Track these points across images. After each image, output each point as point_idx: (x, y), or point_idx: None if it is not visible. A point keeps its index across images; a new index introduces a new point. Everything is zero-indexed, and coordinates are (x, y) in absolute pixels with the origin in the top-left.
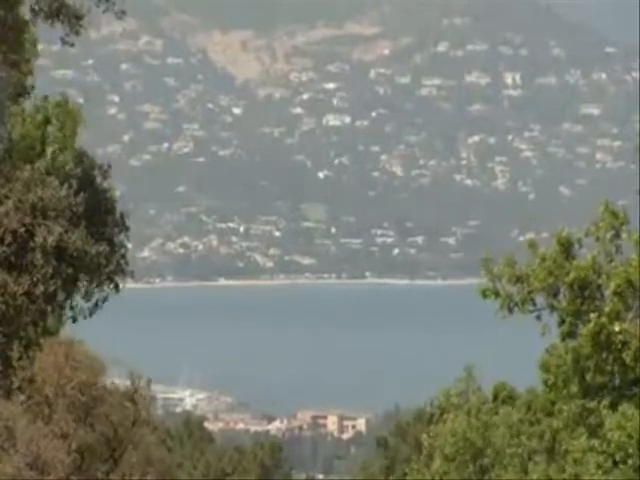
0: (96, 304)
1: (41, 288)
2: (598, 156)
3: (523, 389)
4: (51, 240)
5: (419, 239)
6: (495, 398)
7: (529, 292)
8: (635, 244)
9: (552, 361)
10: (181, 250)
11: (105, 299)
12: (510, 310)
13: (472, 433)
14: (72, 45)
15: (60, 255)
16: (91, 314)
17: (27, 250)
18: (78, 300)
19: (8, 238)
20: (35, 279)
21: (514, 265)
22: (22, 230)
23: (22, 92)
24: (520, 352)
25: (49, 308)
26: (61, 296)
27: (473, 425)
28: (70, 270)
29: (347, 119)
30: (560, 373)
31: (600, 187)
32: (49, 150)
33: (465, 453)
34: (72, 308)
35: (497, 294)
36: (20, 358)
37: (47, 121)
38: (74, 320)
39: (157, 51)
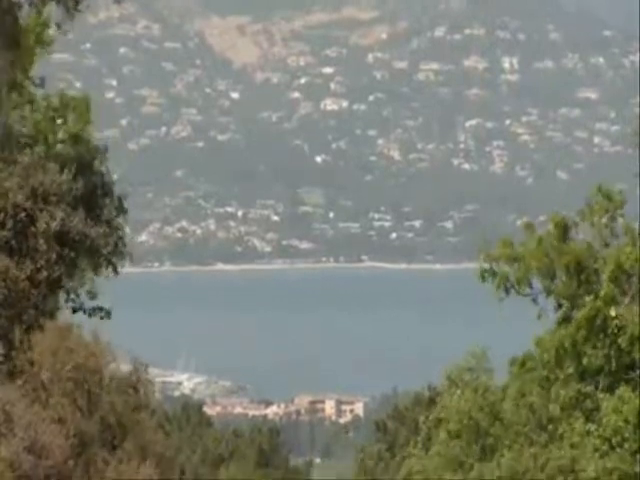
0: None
1: (44, 274)
2: (596, 140)
3: None
4: (54, 225)
5: (416, 223)
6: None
7: (525, 271)
8: (626, 231)
9: (547, 339)
10: (179, 234)
11: None
12: (507, 291)
13: (478, 412)
14: (68, 31)
15: (62, 239)
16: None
17: (29, 235)
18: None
19: (9, 222)
20: (39, 265)
21: (511, 246)
22: (23, 215)
23: (22, 79)
24: (517, 337)
25: (51, 292)
26: (65, 281)
27: (479, 404)
28: (72, 254)
29: (345, 103)
30: (556, 351)
31: (598, 171)
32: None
33: (469, 432)
34: (69, 294)
35: (494, 274)
36: (22, 341)
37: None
38: (74, 311)
39: (155, 35)
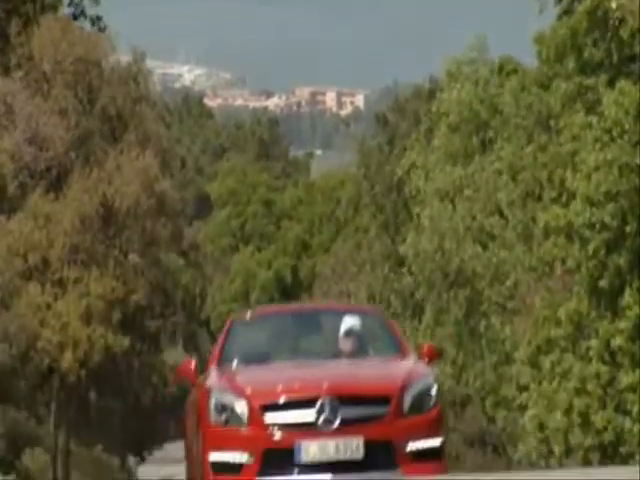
0: None
1: None
2: None
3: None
4: None
5: None
6: (500, 70)
7: None
8: None
9: (547, 35)
10: None
11: None
12: None
13: (478, 104)
14: None
15: None
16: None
17: None
18: None
19: None
20: None
21: None
22: None
23: None
24: (520, 31)
25: None
26: None
27: (480, 96)
28: None
29: None
30: (556, 47)
31: None
32: None
33: (469, 124)
34: None
35: None
36: (19, 34)
37: None
38: (75, 17)
39: None
